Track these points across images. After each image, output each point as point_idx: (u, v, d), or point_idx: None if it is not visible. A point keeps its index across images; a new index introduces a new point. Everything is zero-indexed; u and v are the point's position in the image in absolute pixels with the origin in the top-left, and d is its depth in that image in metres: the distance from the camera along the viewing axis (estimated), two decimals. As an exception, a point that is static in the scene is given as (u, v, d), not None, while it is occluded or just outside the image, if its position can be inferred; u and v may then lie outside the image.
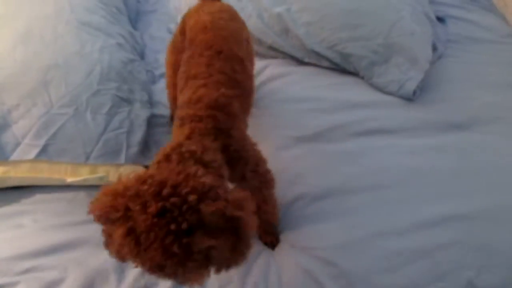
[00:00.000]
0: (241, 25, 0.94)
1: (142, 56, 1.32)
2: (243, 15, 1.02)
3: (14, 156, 0.91)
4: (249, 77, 0.89)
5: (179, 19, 1.09)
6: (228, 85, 0.77)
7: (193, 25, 0.87)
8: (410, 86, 1.20)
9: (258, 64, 1.32)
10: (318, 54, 1.29)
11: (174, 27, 1.38)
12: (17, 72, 1.00)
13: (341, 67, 1.28)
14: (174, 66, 0.94)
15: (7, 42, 1.08)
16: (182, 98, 0.77)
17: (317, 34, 1.28)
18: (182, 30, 0.92)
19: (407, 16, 1.31)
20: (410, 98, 1.20)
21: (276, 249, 0.90)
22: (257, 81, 1.27)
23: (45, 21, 1.14)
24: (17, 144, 0.92)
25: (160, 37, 1.40)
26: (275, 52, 1.33)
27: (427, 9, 1.40)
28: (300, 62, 1.33)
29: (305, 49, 1.29)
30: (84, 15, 1.19)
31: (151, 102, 1.16)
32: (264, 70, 1.30)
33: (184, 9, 1.07)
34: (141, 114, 1.07)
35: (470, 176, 1.03)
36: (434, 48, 1.33)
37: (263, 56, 1.34)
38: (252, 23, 1.29)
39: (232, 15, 0.93)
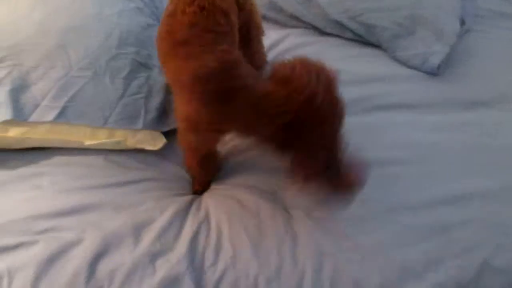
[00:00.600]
0: None
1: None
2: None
3: (33, 118, 0.91)
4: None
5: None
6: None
7: None
8: (435, 60, 1.17)
9: (279, 33, 1.29)
10: (340, 24, 1.25)
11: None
12: (36, 34, 0.99)
13: (364, 39, 1.25)
14: None
15: (25, 3, 1.06)
16: None
17: (340, 4, 1.24)
18: None
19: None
20: (434, 73, 1.16)
21: (293, 218, 0.89)
22: (276, 50, 1.25)
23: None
24: (36, 106, 0.92)
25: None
26: (296, 21, 1.30)
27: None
28: (321, 32, 1.30)
29: (327, 19, 1.26)
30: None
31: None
32: (285, 39, 1.28)
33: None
34: (159, 80, 1.06)
35: (491, 154, 1.00)
36: (462, 23, 1.28)
37: (283, 25, 1.31)
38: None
39: None
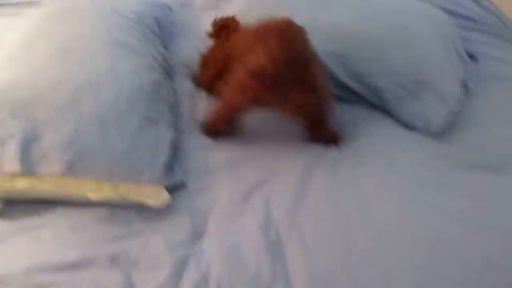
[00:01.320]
0: None
1: (171, 76, 1.34)
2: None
3: (41, 170, 0.93)
4: None
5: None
6: None
7: None
8: (436, 120, 1.18)
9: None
10: (345, 86, 1.28)
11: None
12: (51, 89, 1.03)
13: (368, 101, 1.27)
14: None
15: (44, 59, 1.11)
16: None
17: (345, 66, 1.27)
18: None
19: (438, 52, 1.30)
20: (435, 134, 1.17)
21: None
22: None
23: (81, 40, 1.17)
24: (45, 158, 0.94)
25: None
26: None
27: (459, 46, 1.39)
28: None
29: (334, 81, 1.28)
30: (119, 35, 1.22)
31: (176, 124, 1.18)
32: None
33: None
34: (167, 135, 1.08)
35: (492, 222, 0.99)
36: (465, 86, 1.31)
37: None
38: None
39: None
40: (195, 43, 1.50)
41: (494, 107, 1.29)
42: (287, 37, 1.03)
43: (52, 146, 0.95)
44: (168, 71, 1.30)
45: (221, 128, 1.17)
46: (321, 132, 1.16)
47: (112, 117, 1.01)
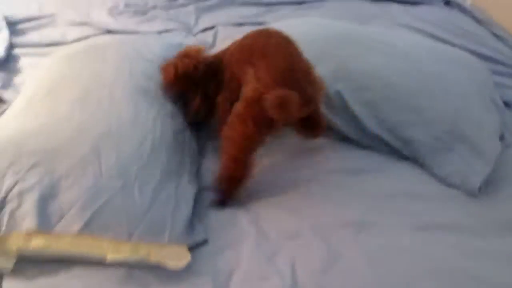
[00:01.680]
0: None
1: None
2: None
3: (58, 228, 0.89)
4: None
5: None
6: None
7: None
8: (475, 180, 1.11)
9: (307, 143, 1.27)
10: (376, 137, 1.23)
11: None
12: (72, 139, 1.00)
13: (400, 152, 1.21)
14: None
15: (66, 105, 1.09)
16: None
17: (378, 115, 1.22)
18: None
19: (474, 102, 1.24)
20: (474, 194, 1.11)
21: None
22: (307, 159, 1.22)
23: (104, 86, 1.15)
24: (62, 216, 0.90)
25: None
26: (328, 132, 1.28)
27: (494, 94, 1.33)
28: (350, 143, 1.27)
29: (364, 131, 1.24)
30: (142, 81, 1.20)
31: (199, 174, 1.14)
32: (318, 149, 1.25)
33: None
34: (189, 188, 1.04)
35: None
36: (501, 137, 1.24)
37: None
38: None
39: None
40: None
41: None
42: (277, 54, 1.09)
43: (70, 203, 0.91)
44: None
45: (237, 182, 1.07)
46: (316, 124, 1.17)
47: (133, 171, 0.97)
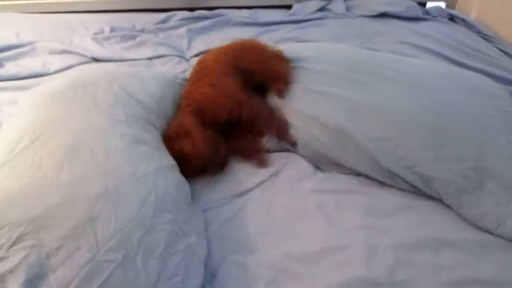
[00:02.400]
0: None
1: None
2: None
3: (49, 319, 0.75)
4: None
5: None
6: None
7: None
8: (510, 220, 1.01)
9: (325, 176, 1.16)
10: (394, 174, 1.12)
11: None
12: (61, 202, 0.86)
13: (422, 191, 1.11)
14: None
15: (53, 159, 0.95)
16: None
17: (393, 152, 1.12)
18: None
19: (501, 134, 1.14)
20: (511, 238, 1.00)
21: None
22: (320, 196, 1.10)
23: (97, 134, 1.02)
24: (54, 303, 0.76)
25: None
26: (342, 168, 1.18)
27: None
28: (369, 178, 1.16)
29: (379, 169, 1.13)
30: (139, 130, 1.07)
31: (206, 226, 1.01)
32: (330, 187, 1.14)
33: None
34: (198, 251, 0.91)
35: None
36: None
37: (328, 171, 1.18)
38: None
39: None
40: None
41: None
42: None
43: (63, 285, 0.77)
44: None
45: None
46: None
47: (135, 239, 0.84)
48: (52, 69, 1.52)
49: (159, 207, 0.91)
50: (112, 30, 1.76)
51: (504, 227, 1.01)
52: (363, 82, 1.22)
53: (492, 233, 1.02)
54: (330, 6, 1.95)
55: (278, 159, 1.21)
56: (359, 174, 1.17)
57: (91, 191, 0.89)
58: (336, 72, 1.25)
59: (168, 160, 1.04)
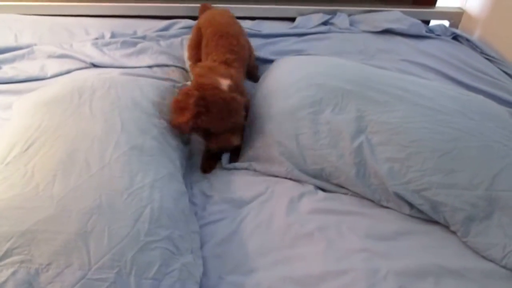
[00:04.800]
0: (232, 19, 1.54)
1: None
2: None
3: None
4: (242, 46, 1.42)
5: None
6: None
7: (205, 24, 1.47)
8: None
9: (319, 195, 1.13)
10: (400, 198, 1.09)
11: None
12: (53, 216, 0.83)
13: (427, 216, 1.08)
14: (195, 57, 1.52)
15: (46, 168, 0.92)
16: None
17: (402, 174, 1.09)
18: (198, 30, 1.50)
19: (512, 160, 1.12)
20: (512, 269, 0.98)
21: None
22: (322, 218, 1.07)
23: (92, 143, 0.99)
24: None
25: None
26: (346, 190, 1.15)
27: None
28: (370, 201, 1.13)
29: (385, 191, 1.10)
30: (136, 136, 1.04)
31: (202, 243, 0.98)
32: (332, 206, 1.11)
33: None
34: (194, 270, 0.88)
35: None
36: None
37: (329, 191, 1.15)
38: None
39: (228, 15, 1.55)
40: None
41: None
42: None
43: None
44: (188, 172, 1.12)
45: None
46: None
47: (129, 257, 0.81)
48: (49, 74, 1.49)
49: (155, 223, 0.88)
50: (113, 36, 1.73)
51: (509, 258, 0.98)
52: (374, 98, 1.20)
53: (497, 263, 0.99)
54: (334, 20, 1.93)
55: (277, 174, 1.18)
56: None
57: (84, 204, 0.85)
58: (344, 84, 1.23)
59: (166, 169, 1.01)
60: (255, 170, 1.20)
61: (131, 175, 0.94)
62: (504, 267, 0.98)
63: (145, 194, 0.92)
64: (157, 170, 0.99)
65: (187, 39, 1.73)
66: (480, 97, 1.34)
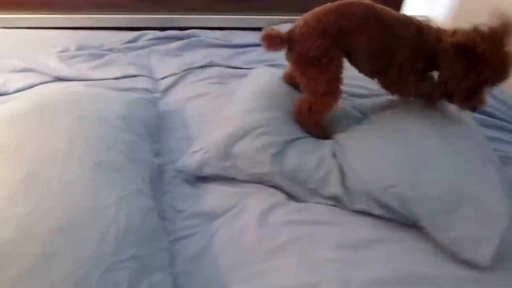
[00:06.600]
0: None
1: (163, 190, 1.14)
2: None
3: None
4: None
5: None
6: None
7: None
8: (487, 248, 0.98)
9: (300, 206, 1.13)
10: (370, 198, 1.10)
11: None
12: (15, 238, 0.79)
13: (397, 215, 1.08)
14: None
15: (6, 188, 0.88)
16: None
17: (371, 174, 1.10)
18: None
19: (477, 158, 1.13)
20: (486, 264, 0.98)
21: None
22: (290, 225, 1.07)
23: (55, 160, 0.95)
24: None
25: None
26: (317, 197, 1.15)
27: (490, 153, 1.23)
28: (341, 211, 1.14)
29: (354, 191, 1.11)
30: (101, 152, 1.01)
31: (172, 260, 0.96)
32: (306, 215, 1.10)
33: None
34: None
35: None
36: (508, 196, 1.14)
37: (303, 200, 1.15)
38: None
39: None
40: (186, 135, 1.34)
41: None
42: None
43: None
44: (156, 197, 1.08)
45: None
46: None
47: (94, 280, 0.78)
48: (12, 89, 1.44)
49: (121, 242, 0.85)
50: (79, 48, 1.69)
51: (478, 251, 0.99)
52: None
53: (464, 257, 1.00)
54: (303, 29, 1.94)
55: (248, 186, 1.17)
56: (333, 204, 1.14)
57: (47, 225, 0.82)
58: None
59: (134, 184, 0.98)
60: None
61: (96, 193, 0.91)
62: (472, 260, 0.99)
63: (111, 212, 0.89)
64: (124, 186, 0.96)
65: (154, 50, 1.71)
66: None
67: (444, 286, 0.96)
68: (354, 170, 1.12)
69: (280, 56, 1.76)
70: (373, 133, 1.20)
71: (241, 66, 1.68)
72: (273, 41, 1.19)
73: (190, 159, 1.19)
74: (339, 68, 1.20)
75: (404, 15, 1.19)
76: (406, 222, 1.09)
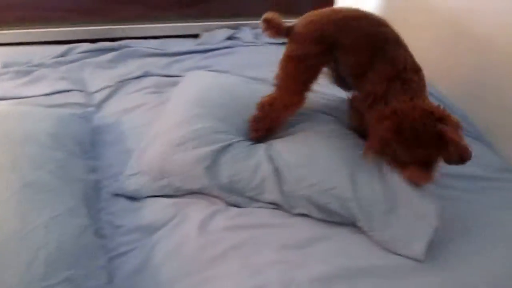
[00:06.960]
0: None
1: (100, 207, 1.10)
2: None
3: None
4: None
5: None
6: None
7: None
8: (419, 246, 1.02)
9: (241, 211, 1.12)
10: (309, 201, 1.11)
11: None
12: None
13: (337, 216, 1.11)
14: None
15: None
16: None
17: (307, 178, 1.12)
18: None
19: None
20: (420, 259, 1.03)
21: None
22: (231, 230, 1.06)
23: (-20, 184, 0.90)
24: None
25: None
26: (257, 203, 1.15)
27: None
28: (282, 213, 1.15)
29: (294, 196, 1.12)
30: (29, 173, 0.97)
31: (112, 277, 0.93)
32: (248, 220, 1.10)
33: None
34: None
35: None
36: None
37: (244, 206, 1.15)
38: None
39: None
40: (124, 147, 1.30)
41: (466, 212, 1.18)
42: None
43: None
44: (94, 203, 1.05)
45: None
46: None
47: (22, 308, 0.74)
48: None
49: (52, 265, 0.82)
50: (5, 65, 1.61)
51: (411, 249, 1.03)
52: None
53: (401, 256, 1.04)
54: (238, 34, 1.96)
55: (187, 196, 1.16)
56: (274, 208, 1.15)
57: (-32, 255, 0.77)
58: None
59: (65, 204, 0.95)
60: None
61: (23, 216, 0.87)
62: (407, 257, 1.03)
63: (40, 234, 0.85)
64: (54, 207, 0.93)
65: (87, 62, 1.66)
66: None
67: (383, 276, 0.99)
68: (292, 174, 1.13)
69: (217, 61, 1.77)
70: (308, 137, 1.21)
71: (178, 74, 1.65)
72: (270, 26, 1.21)
73: (126, 182, 1.17)
74: (318, 73, 1.23)
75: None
76: (344, 222, 1.11)
